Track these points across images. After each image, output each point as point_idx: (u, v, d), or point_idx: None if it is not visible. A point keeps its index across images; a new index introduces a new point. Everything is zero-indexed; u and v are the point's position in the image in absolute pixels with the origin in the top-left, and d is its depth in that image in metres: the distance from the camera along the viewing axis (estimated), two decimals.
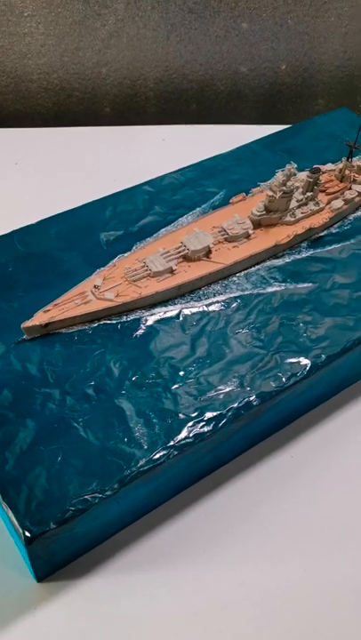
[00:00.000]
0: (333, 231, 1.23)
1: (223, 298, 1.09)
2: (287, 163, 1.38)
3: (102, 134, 1.71)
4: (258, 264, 1.15)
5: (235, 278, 1.12)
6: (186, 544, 0.91)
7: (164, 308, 1.06)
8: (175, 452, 0.87)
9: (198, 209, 1.26)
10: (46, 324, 0.98)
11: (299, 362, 0.99)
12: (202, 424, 0.90)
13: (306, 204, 1.21)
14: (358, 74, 1.93)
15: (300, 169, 1.35)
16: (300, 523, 0.95)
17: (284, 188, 1.13)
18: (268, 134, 1.48)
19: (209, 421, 0.90)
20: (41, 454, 0.86)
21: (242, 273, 1.13)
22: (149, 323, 1.03)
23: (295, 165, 1.16)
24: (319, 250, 1.19)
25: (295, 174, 1.17)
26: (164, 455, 0.86)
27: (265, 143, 1.45)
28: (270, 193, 1.14)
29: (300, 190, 1.21)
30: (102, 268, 1.10)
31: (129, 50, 1.71)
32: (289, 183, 1.13)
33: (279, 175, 1.13)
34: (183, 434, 0.89)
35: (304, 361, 0.99)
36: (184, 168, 1.36)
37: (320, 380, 1.02)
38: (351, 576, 0.90)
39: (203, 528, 0.93)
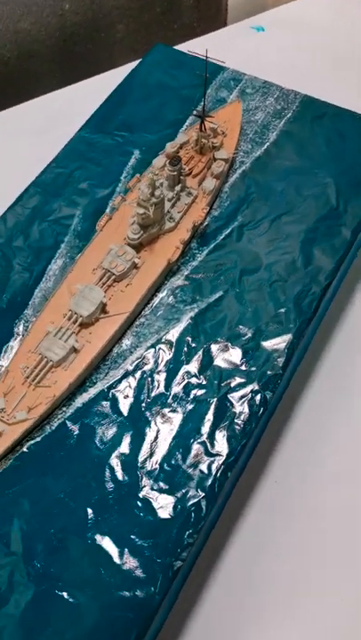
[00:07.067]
0: (215, 214, 1.10)
1: (141, 352, 0.95)
2: (129, 143, 1.21)
3: None
4: (157, 290, 1.01)
5: (142, 320, 0.98)
6: None
7: (84, 395, 0.91)
8: (178, 566, 0.77)
9: (63, 245, 1.06)
10: None
11: (248, 393, 0.90)
12: (190, 521, 0.80)
13: (179, 198, 1.05)
14: None
15: (148, 142, 1.19)
16: None
17: (153, 199, 0.96)
18: (94, 112, 1.26)
19: (196, 510, 0.80)
20: None
21: (147, 310, 0.99)
22: (77, 421, 0.88)
23: (156, 172, 0.99)
24: (212, 245, 1.06)
25: (156, 178, 0.99)
26: (170, 577, 0.76)
27: (95, 126, 1.23)
28: (141, 211, 0.97)
29: (166, 185, 1.05)
30: None
31: None
32: (157, 192, 0.97)
33: (143, 188, 0.96)
34: (177, 540, 0.79)
35: (252, 388, 0.90)
36: (23, 194, 1.13)
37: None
38: None
39: None
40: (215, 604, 0.87)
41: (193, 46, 1.51)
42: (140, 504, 0.81)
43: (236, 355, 0.93)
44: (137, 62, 1.38)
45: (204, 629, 0.85)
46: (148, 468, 0.84)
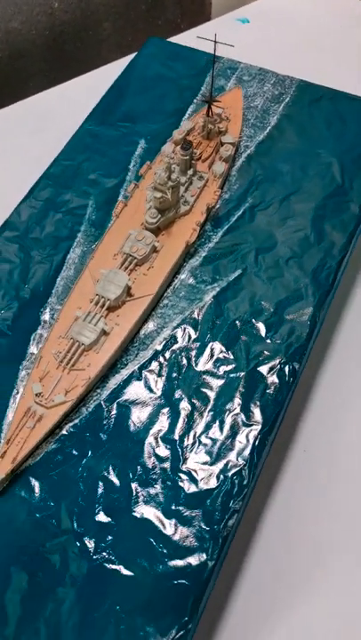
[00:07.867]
0: (226, 197, 1.13)
1: (168, 332, 0.97)
2: (133, 133, 1.23)
3: None
4: (177, 272, 1.03)
5: (165, 301, 1.00)
6: None
7: (117, 377, 0.92)
8: (227, 532, 0.79)
9: (80, 234, 1.08)
10: (12, 471, 0.82)
11: (277, 365, 0.92)
12: (234, 489, 0.82)
13: (191, 182, 1.07)
14: None
15: (152, 131, 1.21)
16: None
17: (170, 183, 0.99)
18: (95, 105, 1.28)
19: (239, 478, 0.83)
20: (93, 623, 0.74)
21: (169, 291, 1.01)
22: (113, 402, 0.90)
23: (171, 157, 1.01)
24: (226, 226, 1.08)
25: (173, 164, 1.01)
26: (220, 543, 0.78)
27: (98, 119, 1.25)
28: (158, 195, 0.99)
29: (179, 169, 1.07)
30: (23, 369, 0.92)
31: None
32: (174, 176, 0.99)
33: (160, 172, 0.98)
34: (223, 508, 0.81)
35: (280, 360, 0.93)
36: (34, 187, 1.14)
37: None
38: None
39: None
40: (256, 567, 0.89)
41: (180, 40, 1.55)
42: (183, 476, 0.83)
43: (261, 329, 0.96)
44: (125, 59, 1.41)
45: (248, 590, 0.87)
46: (188, 442, 0.86)
